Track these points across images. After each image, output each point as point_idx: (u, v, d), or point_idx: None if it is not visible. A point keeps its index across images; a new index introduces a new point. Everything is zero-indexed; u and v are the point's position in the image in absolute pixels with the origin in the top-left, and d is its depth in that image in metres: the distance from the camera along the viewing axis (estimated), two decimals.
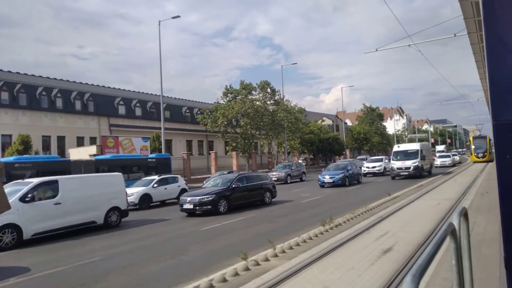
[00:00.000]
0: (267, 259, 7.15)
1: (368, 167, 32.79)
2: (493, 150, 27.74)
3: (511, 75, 2.82)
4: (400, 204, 13.43)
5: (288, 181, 29.57)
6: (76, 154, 28.87)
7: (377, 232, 8.88)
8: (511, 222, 2.75)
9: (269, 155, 49.19)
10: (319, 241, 8.43)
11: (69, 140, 34.54)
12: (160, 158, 26.91)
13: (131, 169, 24.53)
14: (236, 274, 6.38)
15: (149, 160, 26.41)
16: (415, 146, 29.17)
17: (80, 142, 34.86)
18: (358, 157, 49.63)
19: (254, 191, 16.28)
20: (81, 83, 39.93)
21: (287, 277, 5.92)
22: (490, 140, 42.27)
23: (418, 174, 26.28)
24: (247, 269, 6.62)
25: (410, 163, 26.57)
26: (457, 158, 48.97)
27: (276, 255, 7.38)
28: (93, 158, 24.01)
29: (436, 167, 38.79)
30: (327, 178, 23.85)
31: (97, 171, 21.11)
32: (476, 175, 24.61)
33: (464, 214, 2.96)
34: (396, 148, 29.59)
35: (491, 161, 37.88)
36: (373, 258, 6.66)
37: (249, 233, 10.51)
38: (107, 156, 25.32)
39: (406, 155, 27.42)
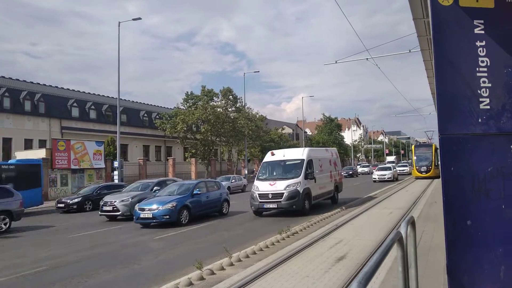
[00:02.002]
0: (222, 268, 7.05)
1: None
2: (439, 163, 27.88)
3: (457, 92, 2.98)
4: (355, 212, 13.83)
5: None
6: (24, 157, 27.21)
7: (332, 240, 9.06)
8: (454, 231, 2.89)
9: (229, 162, 49.03)
10: (276, 249, 8.45)
11: (16, 142, 32.44)
12: (23, 165, 21.15)
13: None
14: (190, 283, 6.22)
15: (3, 167, 20.04)
16: (298, 153, 15.85)
17: (28, 145, 32.85)
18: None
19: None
20: (32, 82, 37.70)
21: (242, 286, 5.86)
22: (436, 149, 31.79)
23: (297, 207, 14.11)
24: (201, 278, 6.48)
25: (283, 186, 14.24)
26: (402, 169, 44.66)
27: (232, 264, 7.29)
28: None
29: (374, 181, 33.69)
30: None
31: None
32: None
33: (412, 223, 3.08)
34: (268, 157, 16.24)
35: (437, 177, 28.93)
36: (327, 265, 6.76)
37: (205, 242, 10.34)
38: None
39: (282, 170, 15.42)
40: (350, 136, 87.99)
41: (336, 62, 22.05)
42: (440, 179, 2.93)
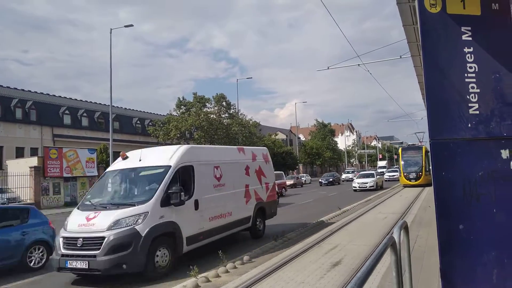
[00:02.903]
0: (218, 276, 7.02)
1: None
2: (430, 168, 25.60)
3: (446, 97, 3.03)
4: (350, 217, 13.86)
5: None
6: (15, 166, 26.92)
7: (327, 245, 9.06)
8: (447, 235, 2.92)
9: None
10: (271, 256, 8.43)
11: (7, 150, 32.14)
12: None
13: None
14: None
15: None
16: (165, 156, 8.62)
17: (19, 153, 32.56)
18: None
19: None
20: (23, 90, 37.46)
21: None
22: (427, 152, 28.61)
23: (130, 266, 6.96)
24: (197, 286, 6.44)
25: (106, 223, 7.12)
26: (392, 175, 41.59)
27: (227, 271, 7.26)
28: None
29: (355, 190, 29.26)
30: None
31: None
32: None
33: (405, 228, 3.10)
34: (116, 163, 9.42)
35: (429, 184, 24.11)
36: (322, 271, 6.76)
37: (199, 249, 10.26)
38: None
39: (128, 188, 8.68)
40: (343, 141, 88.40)
41: (328, 68, 22.19)
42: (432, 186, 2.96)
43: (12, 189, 25.43)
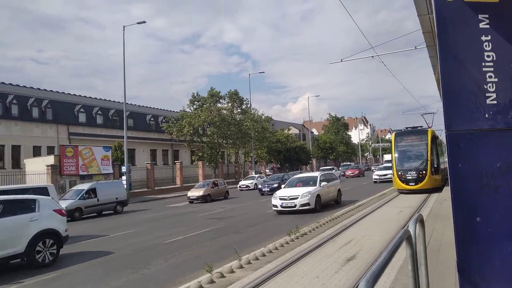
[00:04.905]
0: (232, 271, 7.05)
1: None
2: (441, 162, 20.42)
3: (462, 88, 2.96)
4: (365, 212, 13.74)
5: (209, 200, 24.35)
6: (33, 164, 27.50)
7: (341, 240, 9.01)
8: (463, 228, 2.86)
9: (236, 164, 49.08)
10: (285, 251, 8.43)
11: (24, 149, 32.82)
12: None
13: None
14: (200, 287, 6.23)
15: None
16: None
17: (36, 152, 33.21)
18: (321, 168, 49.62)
19: None
20: (39, 89, 38.16)
21: None
22: (435, 138, 20.24)
23: None
24: (211, 281, 6.49)
25: None
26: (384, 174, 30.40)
27: (241, 267, 7.29)
28: None
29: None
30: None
31: None
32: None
33: (420, 221, 3.05)
34: None
35: (437, 189, 18.71)
36: (337, 266, 6.73)
37: (215, 245, 10.34)
38: None
39: None
40: (357, 135, 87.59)
41: (341, 61, 21.86)
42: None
43: None
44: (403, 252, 2.89)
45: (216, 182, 27.04)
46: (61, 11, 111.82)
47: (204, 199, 24.22)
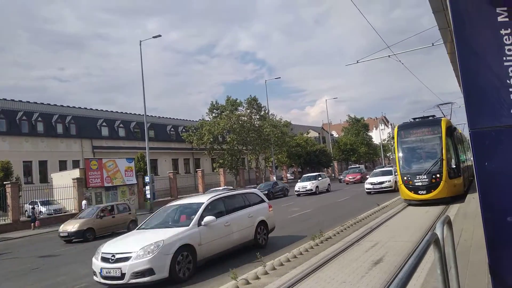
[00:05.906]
0: (257, 277, 7.02)
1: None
2: (467, 159, 18.16)
3: (484, 83, 2.88)
4: (389, 213, 13.46)
5: None
6: (59, 178, 28.32)
7: (367, 243, 8.85)
8: (494, 228, 2.77)
9: (257, 170, 49.10)
10: (310, 255, 8.33)
11: (51, 164, 33.92)
12: None
13: None
14: None
15: None
16: None
17: (62, 166, 34.27)
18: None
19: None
20: (62, 106, 39.52)
21: None
22: (451, 130, 15.05)
23: None
24: None
25: None
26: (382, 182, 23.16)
27: (266, 273, 7.25)
28: None
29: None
30: None
31: None
32: None
33: (448, 223, 2.97)
34: None
35: (458, 197, 13.96)
36: (364, 270, 6.61)
37: (237, 251, 10.33)
38: None
39: None
40: (378, 135, 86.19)
41: (357, 62, 21.62)
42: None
43: (57, 200, 26.83)
44: (432, 253, 2.82)
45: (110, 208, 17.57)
46: (80, 29, 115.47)
47: (82, 236, 15.94)
